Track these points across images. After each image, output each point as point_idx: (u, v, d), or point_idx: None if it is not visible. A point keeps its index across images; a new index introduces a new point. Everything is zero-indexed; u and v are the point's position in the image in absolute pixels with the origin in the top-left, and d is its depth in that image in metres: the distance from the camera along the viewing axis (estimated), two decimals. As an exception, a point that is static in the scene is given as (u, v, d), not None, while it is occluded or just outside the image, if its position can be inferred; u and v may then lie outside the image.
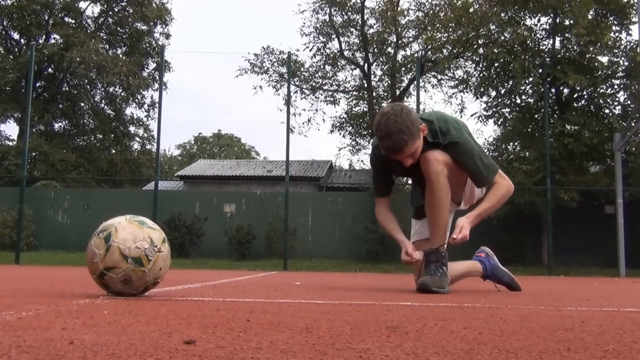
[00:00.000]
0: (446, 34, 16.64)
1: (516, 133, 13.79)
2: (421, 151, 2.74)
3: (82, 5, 23.97)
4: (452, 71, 18.42)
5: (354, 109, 20.66)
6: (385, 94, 20.18)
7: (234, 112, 53.17)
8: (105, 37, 24.69)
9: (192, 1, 69.03)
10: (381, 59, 20.01)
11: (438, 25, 17.14)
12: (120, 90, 23.81)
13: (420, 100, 11.69)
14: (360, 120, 20.52)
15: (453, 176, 2.77)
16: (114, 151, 24.21)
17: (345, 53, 20.13)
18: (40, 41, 22.62)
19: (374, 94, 19.65)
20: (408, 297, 2.46)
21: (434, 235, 2.81)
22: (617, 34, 13.11)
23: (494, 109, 14.31)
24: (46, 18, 23.49)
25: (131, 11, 23.99)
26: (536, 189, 11.48)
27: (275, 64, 20.14)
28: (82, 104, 24.31)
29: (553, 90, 13.17)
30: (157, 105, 14.15)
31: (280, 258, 10.92)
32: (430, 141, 2.76)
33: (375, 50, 19.71)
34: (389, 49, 19.66)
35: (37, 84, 22.59)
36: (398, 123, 2.60)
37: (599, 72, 12.67)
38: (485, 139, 19.88)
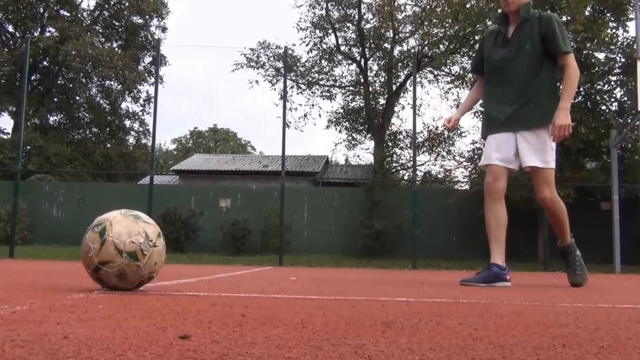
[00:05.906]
0: (443, 30, 16.62)
1: (512, 129, 13.79)
2: (517, 25, 3.39)
3: (78, -2, 23.86)
4: (448, 67, 18.42)
5: (350, 104, 20.61)
6: (382, 89, 20.16)
7: (230, 107, 52.97)
8: (101, 31, 24.57)
9: (189, -5, 68.57)
10: (378, 54, 19.94)
11: (435, 20, 17.12)
12: (116, 84, 23.70)
13: (416, 95, 11.68)
14: (357, 115, 20.45)
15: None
16: (109, 145, 24.12)
17: (342, 48, 20.06)
18: (36, 34, 22.47)
19: (370, 89, 19.61)
20: (403, 293, 2.46)
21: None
22: (614, 31, 13.11)
23: (491, 105, 14.30)
24: (41, 11, 23.34)
25: (127, 4, 23.86)
26: (532, 185, 11.49)
27: (272, 58, 20.06)
28: (78, 98, 24.20)
29: (549, 86, 13.17)
30: (152, 99, 14.07)
31: (275, 253, 10.89)
32: (528, 13, 3.37)
33: (372, 45, 19.64)
34: (386, 44, 19.60)
35: (32, 77, 22.45)
36: None
37: (596, 69, 12.68)
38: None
